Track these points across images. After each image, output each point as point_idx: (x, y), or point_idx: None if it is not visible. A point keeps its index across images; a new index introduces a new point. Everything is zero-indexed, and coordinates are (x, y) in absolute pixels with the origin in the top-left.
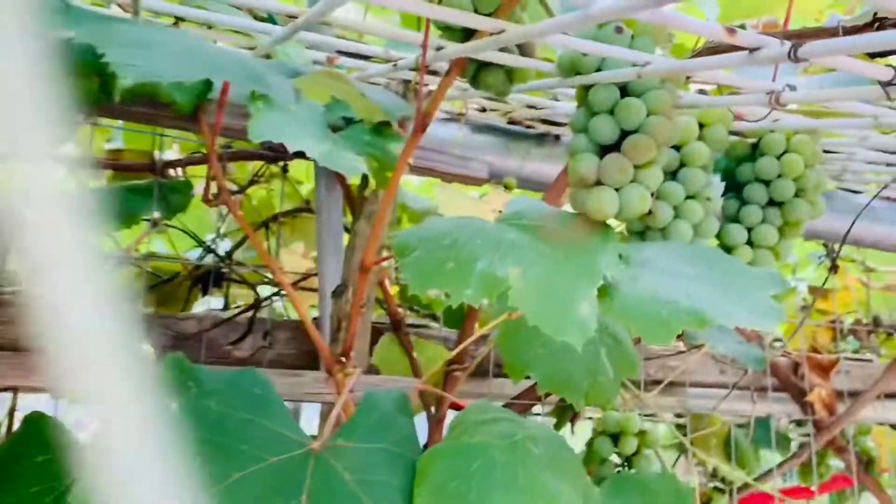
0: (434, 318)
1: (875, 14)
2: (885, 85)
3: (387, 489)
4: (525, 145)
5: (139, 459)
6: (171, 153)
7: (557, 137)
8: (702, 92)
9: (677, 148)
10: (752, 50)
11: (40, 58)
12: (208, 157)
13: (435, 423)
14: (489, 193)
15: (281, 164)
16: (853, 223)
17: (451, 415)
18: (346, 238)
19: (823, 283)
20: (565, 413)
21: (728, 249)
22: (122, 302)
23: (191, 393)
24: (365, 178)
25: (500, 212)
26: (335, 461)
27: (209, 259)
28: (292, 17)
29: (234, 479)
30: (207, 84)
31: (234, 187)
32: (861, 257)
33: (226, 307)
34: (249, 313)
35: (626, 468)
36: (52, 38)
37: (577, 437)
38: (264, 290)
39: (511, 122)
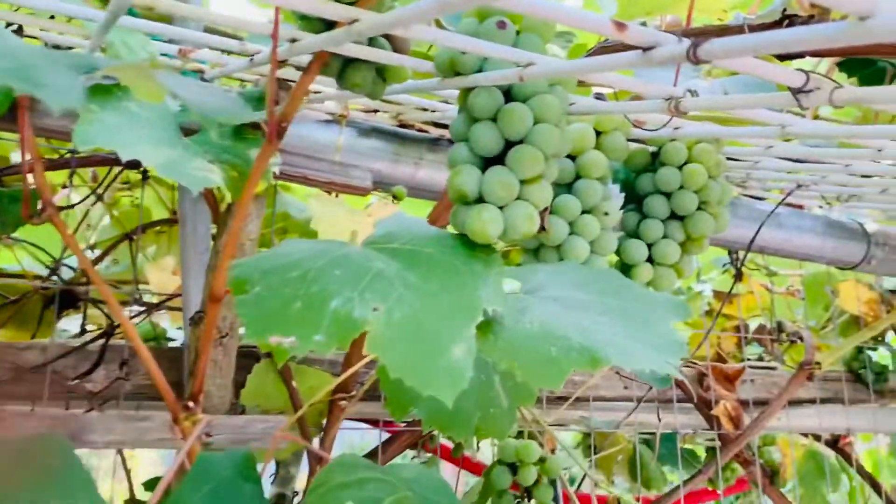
0: None
1: (784, 10)
2: (797, 92)
3: None
4: (417, 150)
5: None
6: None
7: (452, 142)
8: (599, 97)
9: (573, 157)
10: (646, 49)
11: None
12: (22, 165)
13: (316, 462)
14: (374, 204)
15: (140, 169)
16: (758, 231)
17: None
18: None
19: (729, 292)
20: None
21: (628, 267)
22: None
23: None
24: None
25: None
26: None
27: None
28: (150, 8)
29: None
30: None
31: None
32: (764, 262)
33: (82, 332)
34: (102, 340)
35: (527, 499)
36: None
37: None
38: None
39: (402, 125)
